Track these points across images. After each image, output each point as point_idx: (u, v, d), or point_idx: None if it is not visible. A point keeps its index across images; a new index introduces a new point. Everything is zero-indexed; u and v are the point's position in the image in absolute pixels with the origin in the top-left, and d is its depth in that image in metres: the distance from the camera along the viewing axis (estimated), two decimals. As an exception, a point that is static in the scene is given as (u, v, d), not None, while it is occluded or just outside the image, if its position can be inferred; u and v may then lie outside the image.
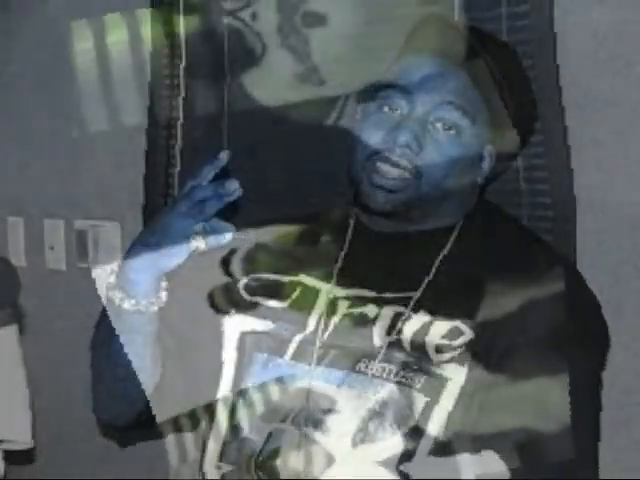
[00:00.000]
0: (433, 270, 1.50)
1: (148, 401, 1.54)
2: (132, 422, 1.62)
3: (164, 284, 1.47)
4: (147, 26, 2.25)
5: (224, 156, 1.42)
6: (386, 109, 1.50)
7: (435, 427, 1.42)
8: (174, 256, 1.42)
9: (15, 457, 1.72)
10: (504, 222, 1.59)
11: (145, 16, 2.27)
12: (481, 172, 1.54)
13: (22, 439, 1.69)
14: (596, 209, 1.74)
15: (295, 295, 1.54)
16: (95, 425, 2.33)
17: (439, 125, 1.48)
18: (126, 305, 1.45)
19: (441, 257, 1.51)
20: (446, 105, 1.47)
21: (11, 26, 2.55)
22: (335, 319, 1.51)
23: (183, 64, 2.21)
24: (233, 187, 1.38)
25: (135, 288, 1.45)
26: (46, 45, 2.50)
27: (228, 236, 1.41)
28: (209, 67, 2.18)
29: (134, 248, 1.45)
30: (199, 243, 1.42)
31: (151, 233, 1.45)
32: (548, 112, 1.73)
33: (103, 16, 2.38)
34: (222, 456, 1.52)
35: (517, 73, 1.56)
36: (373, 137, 1.49)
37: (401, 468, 1.42)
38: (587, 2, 1.73)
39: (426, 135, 1.47)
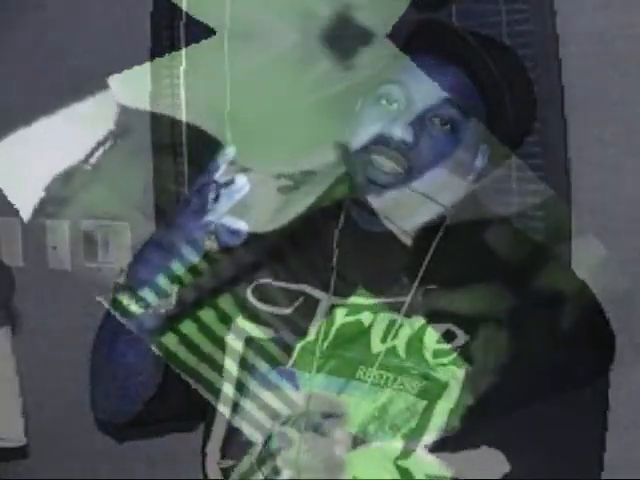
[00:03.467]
0: (421, 273, 1.49)
1: (148, 401, 1.54)
2: (131, 421, 1.60)
3: (175, 286, 1.43)
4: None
5: (231, 151, 1.38)
6: (384, 102, 1.49)
7: (434, 428, 1.42)
8: (187, 257, 1.38)
9: (9, 454, 1.72)
10: (493, 221, 1.58)
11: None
12: (473, 170, 1.53)
13: (15, 436, 1.68)
14: (599, 208, 1.73)
15: (298, 303, 1.53)
16: (94, 424, 2.33)
17: (436, 120, 1.47)
18: (134, 307, 1.41)
19: (429, 258, 1.51)
20: (444, 102, 1.47)
21: (1, 26, 2.54)
22: (333, 328, 1.50)
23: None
24: (242, 182, 1.35)
25: (145, 290, 1.41)
26: (42, 45, 2.50)
27: (242, 235, 1.36)
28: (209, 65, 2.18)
29: (146, 249, 1.41)
30: (212, 243, 1.37)
31: (163, 234, 1.41)
32: (548, 113, 1.73)
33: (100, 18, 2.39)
34: (223, 455, 1.53)
35: (517, 73, 1.55)
36: (370, 129, 1.48)
37: (399, 463, 1.42)
38: (590, 7, 1.73)
39: (422, 130, 1.47)
